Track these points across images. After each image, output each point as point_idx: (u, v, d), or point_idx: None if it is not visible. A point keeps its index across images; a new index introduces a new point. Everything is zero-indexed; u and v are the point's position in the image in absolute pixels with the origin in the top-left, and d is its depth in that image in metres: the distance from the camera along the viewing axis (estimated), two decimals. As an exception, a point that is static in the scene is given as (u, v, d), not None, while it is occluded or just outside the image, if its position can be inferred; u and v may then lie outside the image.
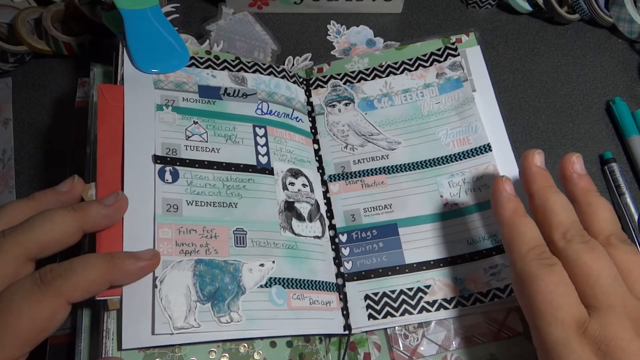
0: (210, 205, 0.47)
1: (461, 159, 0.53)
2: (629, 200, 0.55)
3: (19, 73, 0.63)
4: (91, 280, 0.36)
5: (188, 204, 0.46)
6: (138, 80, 0.50)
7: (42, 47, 0.62)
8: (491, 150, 0.53)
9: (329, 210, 0.53)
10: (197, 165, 0.48)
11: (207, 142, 0.50)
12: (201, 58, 0.54)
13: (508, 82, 0.63)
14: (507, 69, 0.64)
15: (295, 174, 0.52)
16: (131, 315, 0.40)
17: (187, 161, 0.48)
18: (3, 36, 0.62)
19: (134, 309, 0.40)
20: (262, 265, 0.45)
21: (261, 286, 0.45)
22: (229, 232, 0.46)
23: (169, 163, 0.47)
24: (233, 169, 0.49)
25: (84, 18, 0.62)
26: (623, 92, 0.63)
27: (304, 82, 0.59)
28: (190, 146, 0.49)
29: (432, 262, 0.49)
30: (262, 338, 0.44)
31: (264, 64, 0.57)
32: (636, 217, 0.54)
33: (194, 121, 0.50)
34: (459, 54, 0.58)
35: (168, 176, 0.46)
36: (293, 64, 0.62)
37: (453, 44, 0.58)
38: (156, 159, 0.46)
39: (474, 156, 0.53)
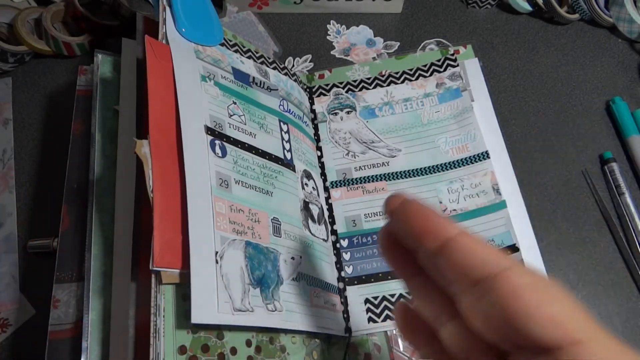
0: (253, 188, 0.46)
1: (460, 166, 0.54)
2: (629, 200, 0.55)
3: (19, 73, 0.63)
4: None
5: (236, 183, 0.45)
6: (180, 44, 0.48)
7: (42, 47, 0.62)
8: (489, 158, 0.53)
9: (331, 216, 0.53)
10: (239, 146, 0.47)
11: (245, 124, 0.49)
12: (230, 41, 0.54)
13: (508, 82, 0.63)
14: (507, 69, 0.64)
15: (308, 175, 0.53)
16: (199, 290, 0.37)
17: (232, 139, 0.47)
18: (3, 36, 0.62)
19: (201, 283, 0.38)
20: (292, 258, 0.45)
21: (293, 279, 0.45)
22: (268, 220, 0.46)
23: (217, 137, 0.45)
24: (267, 157, 0.49)
25: (84, 18, 0.62)
26: (623, 92, 0.63)
27: (307, 90, 0.60)
28: (233, 125, 0.48)
29: (431, 267, 0.50)
30: (285, 332, 0.44)
31: (280, 64, 0.57)
32: (636, 217, 0.54)
33: (233, 101, 0.49)
34: (458, 65, 0.58)
35: (218, 150, 0.45)
36: (293, 65, 0.62)
37: (452, 55, 0.59)
38: (207, 129, 0.45)
39: (472, 163, 0.53)
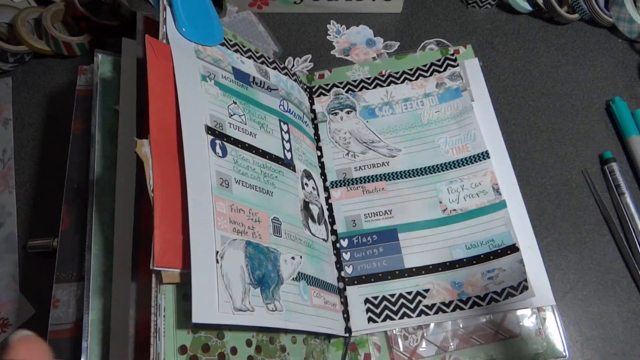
0: (253, 188, 0.46)
1: (460, 166, 0.54)
2: (629, 200, 0.55)
3: (19, 73, 0.63)
4: None
5: (236, 182, 0.45)
6: (181, 44, 0.48)
7: (42, 47, 0.62)
8: (489, 157, 0.53)
9: (331, 216, 0.53)
10: (239, 146, 0.47)
11: (245, 124, 0.49)
12: (230, 41, 0.54)
13: (508, 82, 0.63)
14: (507, 69, 0.64)
15: (308, 175, 0.53)
16: (200, 289, 0.37)
17: (232, 139, 0.47)
18: (3, 36, 0.62)
19: (201, 283, 0.37)
20: (293, 258, 0.45)
21: (293, 279, 0.45)
22: (269, 220, 0.46)
23: (218, 137, 0.45)
24: (267, 157, 0.49)
25: (84, 18, 0.62)
26: (623, 92, 0.63)
27: (307, 90, 0.60)
28: (233, 125, 0.48)
29: (430, 267, 0.50)
30: (285, 332, 0.44)
31: (280, 64, 0.57)
32: (636, 217, 0.54)
33: (233, 101, 0.49)
34: (458, 65, 0.59)
35: (218, 150, 0.45)
36: (293, 65, 0.62)
37: (452, 55, 0.59)
38: (208, 129, 0.45)
39: (472, 163, 0.53)
